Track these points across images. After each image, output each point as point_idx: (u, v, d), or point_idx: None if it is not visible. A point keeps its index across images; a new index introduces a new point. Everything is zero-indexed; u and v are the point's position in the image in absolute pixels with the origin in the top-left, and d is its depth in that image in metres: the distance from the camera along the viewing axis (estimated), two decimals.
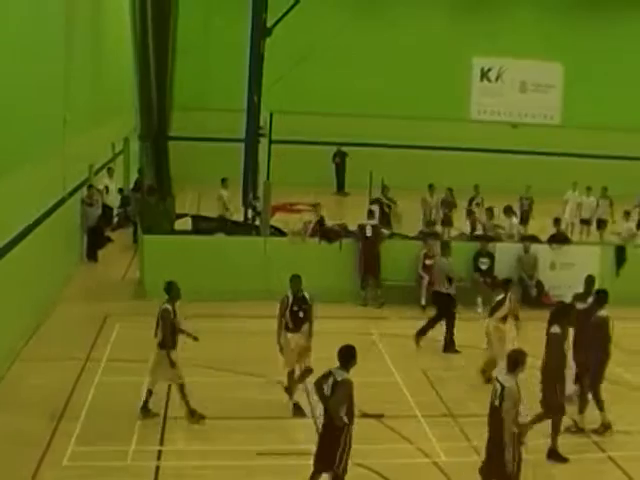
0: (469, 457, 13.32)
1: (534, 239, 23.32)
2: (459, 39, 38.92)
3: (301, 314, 15.20)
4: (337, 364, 11.33)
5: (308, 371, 14.85)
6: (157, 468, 12.71)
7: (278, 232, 22.57)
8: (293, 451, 13.51)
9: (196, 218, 23.67)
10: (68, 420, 13.97)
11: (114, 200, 28.05)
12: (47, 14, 19.47)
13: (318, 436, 11.72)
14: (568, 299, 21.31)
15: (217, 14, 36.95)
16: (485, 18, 39.57)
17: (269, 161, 23.57)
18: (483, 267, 21.99)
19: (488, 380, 15.47)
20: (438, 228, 26.20)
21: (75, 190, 23.25)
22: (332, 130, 37.05)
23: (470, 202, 27.90)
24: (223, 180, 26.27)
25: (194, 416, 14.24)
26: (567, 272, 22.15)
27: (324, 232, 22.15)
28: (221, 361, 17.01)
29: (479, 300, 21.70)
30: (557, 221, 24.48)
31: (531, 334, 16.17)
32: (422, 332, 18.72)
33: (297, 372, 15.08)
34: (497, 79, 41.06)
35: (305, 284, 20.75)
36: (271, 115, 23.47)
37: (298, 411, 14.80)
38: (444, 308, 18.84)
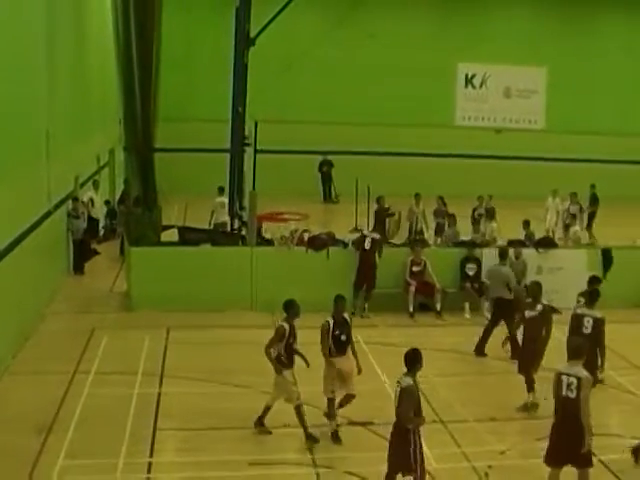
0: (460, 463, 13.37)
1: (521, 244, 23.31)
2: (443, 46, 39.06)
3: (343, 337, 14.50)
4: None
5: (351, 396, 14.48)
6: None
7: (265, 241, 22.53)
8: (284, 460, 13.50)
9: (182, 229, 23.61)
10: (57, 434, 13.89)
11: (100, 212, 28.01)
12: (29, 27, 19.44)
13: (389, 438, 11.85)
14: (556, 303, 21.57)
15: (201, 25, 36.97)
16: (469, 25, 39.69)
17: (254, 171, 23.57)
18: (470, 273, 22.00)
19: None
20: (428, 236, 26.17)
21: (61, 203, 23.19)
22: (317, 139, 37.06)
23: (473, 212, 27.52)
24: (221, 189, 26.41)
25: (308, 439, 13.84)
26: (554, 276, 22.17)
27: (311, 240, 22.13)
28: (208, 372, 16.95)
29: (467, 306, 21.74)
30: (526, 223, 24.56)
31: None
32: (482, 343, 18.69)
33: (338, 398, 14.55)
34: (482, 85, 41.26)
35: (292, 293, 20.83)
36: (256, 124, 23.49)
37: (336, 440, 14.15)
38: (507, 314, 18.42)
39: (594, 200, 30.39)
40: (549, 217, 28.13)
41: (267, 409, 14.31)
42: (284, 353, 14.11)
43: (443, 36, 39.45)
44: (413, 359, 11.66)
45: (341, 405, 14.48)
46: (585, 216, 28.62)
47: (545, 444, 12.07)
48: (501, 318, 18.68)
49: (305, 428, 13.89)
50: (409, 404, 11.41)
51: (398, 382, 11.61)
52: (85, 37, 28.40)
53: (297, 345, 14.49)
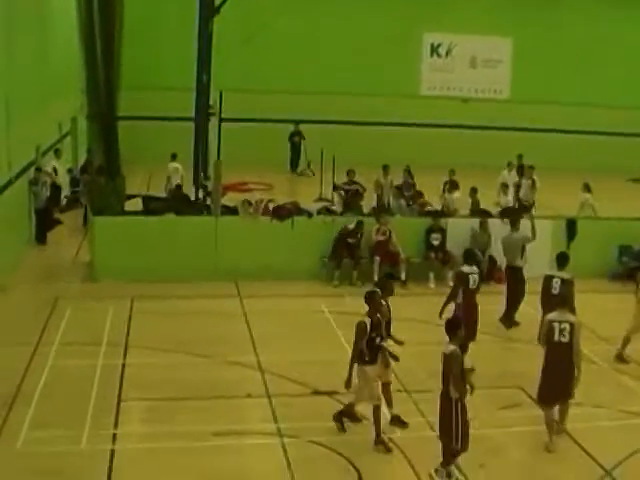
0: (424, 432, 13.43)
1: (486, 214, 23.40)
2: (409, 15, 38.86)
3: (378, 340, 13.32)
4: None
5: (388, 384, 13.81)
6: (112, 451, 12.59)
7: (229, 211, 22.45)
8: (248, 430, 13.52)
9: (146, 198, 23.46)
10: (21, 405, 13.81)
11: (63, 182, 27.71)
12: None
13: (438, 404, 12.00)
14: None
15: None
16: None
17: (219, 140, 23.42)
18: (435, 243, 22.07)
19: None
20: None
21: (22, 172, 22.94)
22: (282, 108, 36.74)
23: (444, 186, 26.54)
24: (174, 155, 26.32)
25: (377, 444, 12.94)
26: None
27: (276, 210, 22.09)
28: (173, 342, 16.92)
29: (431, 276, 21.83)
30: (473, 190, 24.60)
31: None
32: (508, 316, 18.64)
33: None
34: (447, 54, 41.18)
35: (257, 262, 20.96)
36: (221, 94, 23.33)
37: (401, 423, 13.79)
38: (521, 282, 18.67)
39: (523, 170, 28.99)
40: (508, 192, 26.79)
41: (350, 406, 13.53)
42: (366, 349, 13.11)
43: (408, 5, 39.17)
44: (452, 326, 12.02)
45: (388, 402, 13.65)
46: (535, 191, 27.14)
47: (506, 414, 12.31)
48: (515, 285, 18.78)
49: (378, 434, 12.97)
50: (449, 370, 11.70)
51: (443, 350, 11.86)
52: (46, 3, 28.00)
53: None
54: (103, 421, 13.40)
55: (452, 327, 12.02)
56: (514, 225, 19.39)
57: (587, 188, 24.85)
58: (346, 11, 38.43)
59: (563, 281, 15.96)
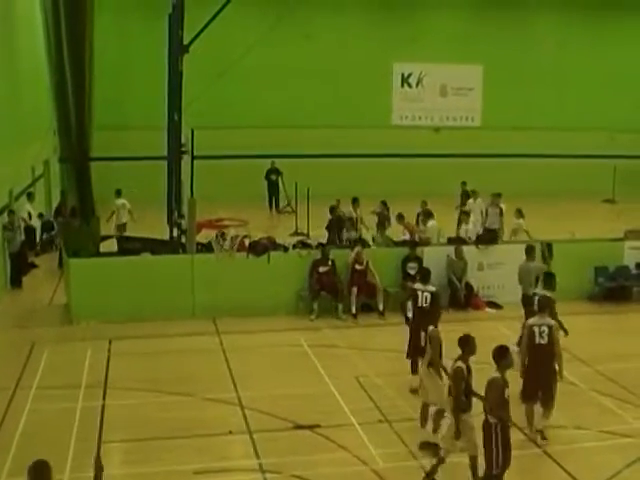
0: (407, 462, 13.42)
1: (461, 241, 23.46)
2: (379, 46, 39.17)
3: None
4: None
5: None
6: None
7: (205, 248, 22.41)
8: (230, 467, 13.41)
9: (121, 239, 23.40)
10: None
11: (36, 225, 27.62)
12: None
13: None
14: (498, 299, 21.80)
15: (134, 32, 36.50)
16: (404, 24, 39.75)
17: (192, 178, 23.38)
18: (411, 272, 22.04)
19: None
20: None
21: None
22: (255, 143, 36.84)
23: (418, 217, 26.19)
24: (118, 192, 26.44)
25: None
26: (496, 272, 22.40)
27: (252, 246, 22.08)
28: (152, 381, 16.82)
29: (409, 305, 21.77)
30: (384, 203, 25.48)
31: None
32: None
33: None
34: (417, 84, 41.45)
35: (234, 298, 20.93)
36: (192, 132, 23.29)
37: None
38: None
39: (466, 197, 28.77)
40: (472, 218, 25.92)
41: (440, 462, 12.82)
42: (462, 396, 12.49)
43: (378, 36, 39.51)
44: (498, 354, 11.87)
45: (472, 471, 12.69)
46: (502, 219, 26.28)
47: None
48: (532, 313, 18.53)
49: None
50: (491, 396, 11.66)
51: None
52: (16, 46, 27.98)
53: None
54: (83, 464, 13.17)
55: (498, 355, 11.87)
56: (529, 255, 19.23)
57: (520, 213, 24.81)
58: (317, 45, 38.64)
59: (543, 297, 15.90)
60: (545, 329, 14.13)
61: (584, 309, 22.07)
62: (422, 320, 15.92)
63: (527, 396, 14.38)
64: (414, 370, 16.03)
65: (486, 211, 26.72)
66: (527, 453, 13.74)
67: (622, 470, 13.02)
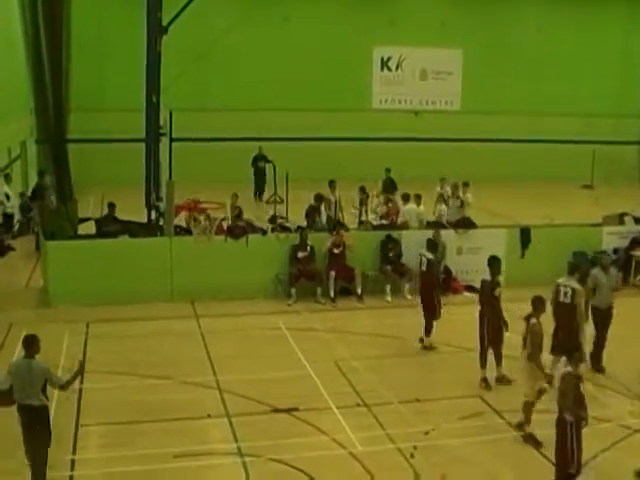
0: (384, 445, 13.44)
1: (440, 225, 23.46)
2: (358, 29, 39.05)
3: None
4: None
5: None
6: (71, 477, 12.45)
7: (183, 231, 22.33)
8: (209, 451, 13.39)
9: (100, 221, 23.24)
10: None
11: (14, 207, 27.40)
12: None
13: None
14: (476, 283, 21.77)
15: (112, 13, 36.27)
16: (383, 7, 39.68)
17: (170, 160, 23.26)
18: (390, 255, 22.07)
19: None
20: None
21: None
22: (234, 126, 36.73)
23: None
24: (41, 173, 26.12)
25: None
26: (474, 256, 22.40)
27: (230, 229, 22.02)
28: (129, 365, 16.75)
29: (388, 288, 21.82)
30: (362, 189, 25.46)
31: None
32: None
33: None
34: (397, 68, 41.40)
35: (213, 281, 20.90)
36: (170, 113, 23.16)
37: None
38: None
39: (390, 185, 28.39)
40: (443, 207, 25.28)
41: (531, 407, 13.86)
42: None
43: (358, 19, 39.39)
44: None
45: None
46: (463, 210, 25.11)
47: (467, 423, 12.79)
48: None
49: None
50: (564, 391, 11.77)
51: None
52: None
53: None
54: (60, 448, 13.15)
55: (570, 348, 12.27)
56: (604, 267, 17.41)
57: (406, 198, 24.49)
58: (296, 27, 38.53)
59: (485, 282, 16.37)
60: (569, 290, 15.60)
61: None
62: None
63: (553, 349, 15.43)
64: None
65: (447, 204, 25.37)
66: (506, 437, 13.78)
67: (598, 454, 13.06)
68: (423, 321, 17.92)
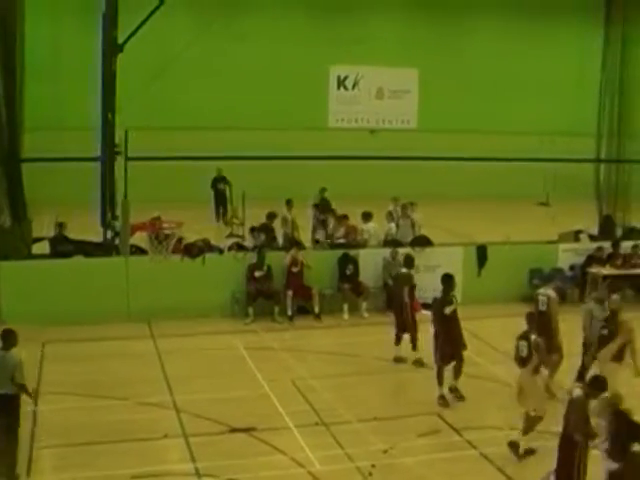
0: (343, 464, 13.40)
1: (397, 244, 23.50)
2: (315, 48, 39.08)
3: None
4: None
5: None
6: None
7: (139, 251, 22.18)
8: (167, 472, 13.30)
9: (54, 241, 23.02)
10: None
11: None
12: None
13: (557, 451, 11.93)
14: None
15: (67, 32, 35.96)
16: (340, 27, 39.74)
17: (126, 179, 23.12)
18: (348, 273, 22.08)
19: None
20: None
21: None
22: (190, 144, 36.40)
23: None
24: None
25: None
26: (431, 274, 22.38)
27: (187, 248, 21.92)
28: (86, 385, 16.58)
29: (345, 307, 21.81)
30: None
31: None
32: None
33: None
34: (354, 87, 41.55)
35: (170, 301, 20.76)
36: (126, 132, 23.04)
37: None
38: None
39: (325, 206, 27.43)
40: (392, 225, 24.78)
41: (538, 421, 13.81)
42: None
43: (314, 38, 39.44)
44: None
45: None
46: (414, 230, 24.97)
47: (425, 441, 13.15)
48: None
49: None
50: (575, 416, 11.64)
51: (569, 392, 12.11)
52: None
53: None
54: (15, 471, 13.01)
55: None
56: (599, 301, 16.88)
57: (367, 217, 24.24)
58: (253, 45, 38.47)
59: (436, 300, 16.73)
60: (544, 299, 16.44)
61: (519, 311, 22.01)
62: None
63: None
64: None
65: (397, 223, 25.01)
66: (464, 454, 13.78)
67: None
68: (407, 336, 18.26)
